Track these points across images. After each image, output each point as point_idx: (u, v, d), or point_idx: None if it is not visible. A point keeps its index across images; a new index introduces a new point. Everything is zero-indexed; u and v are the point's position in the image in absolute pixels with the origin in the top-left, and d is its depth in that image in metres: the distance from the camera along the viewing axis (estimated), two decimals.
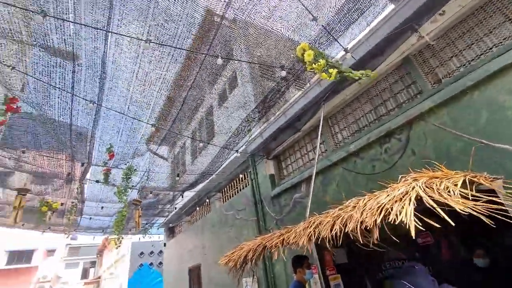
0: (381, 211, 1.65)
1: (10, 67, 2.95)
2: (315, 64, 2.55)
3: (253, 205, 6.02)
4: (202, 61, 3.18)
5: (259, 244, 2.87)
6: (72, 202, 6.83)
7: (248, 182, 6.57)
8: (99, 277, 24.83)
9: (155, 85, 3.41)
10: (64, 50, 2.84)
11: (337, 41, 3.06)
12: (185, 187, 7.36)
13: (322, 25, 2.85)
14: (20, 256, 25.11)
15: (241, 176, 6.94)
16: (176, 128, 4.51)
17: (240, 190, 7.07)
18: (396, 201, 1.66)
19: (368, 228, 1.59)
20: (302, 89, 4.39)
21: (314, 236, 2.07)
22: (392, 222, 1.50)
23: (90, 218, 8.20)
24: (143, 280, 16.10)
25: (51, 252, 26.97)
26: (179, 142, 7.23)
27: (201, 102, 4.71)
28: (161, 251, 16.85)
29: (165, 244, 12.48)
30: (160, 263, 16.79)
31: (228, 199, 7.69)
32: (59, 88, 3.16)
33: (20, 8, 2.39)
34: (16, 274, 23.72)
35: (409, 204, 1.58)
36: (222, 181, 7.43)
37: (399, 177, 2.02)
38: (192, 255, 9.11)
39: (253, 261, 3.00)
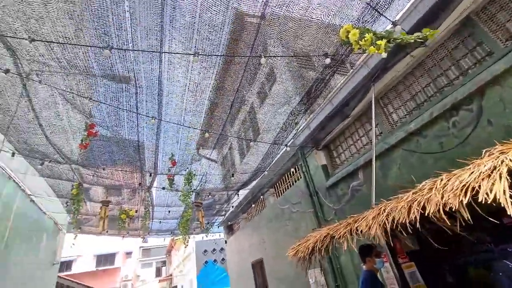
0: (466, 190, 1.53)
1: (88, 98, 3.44)
2: (361, 41, 2.42)
3: (308, 197, 5.99)
4: (246, 63, 3.28)
5: (326, 235, 2.86)
6: (145, 208, 7.68)
7: (300, 175, 6.56)
8: (171, 275, 27.39)
9: (205, 93, 3.64)
10: (127, 76, 3.22)
11: (383, 15, 2.86)
12: (239, 185, 7.67)
13: (366, 2, 2.70)
14: (106, 259, 29.04)
15: (292, 169, 6.96)
16: (227, 130, 4.73)
17: (293, 183, 7.09)
18: (483, 179, 1.51)
19: (454, 209, 1.49)
20: (347, 74, 4.21)
21: (388, 224, 2.00)
22: (483, 203, 1.38)
23: (160, 221, 9.11)
24: (209, 276, 17.28)
25: (128, 254, 30.61)
26: (227, 144, 7.55)
27: (246, 102, 4.85)
28: (222, 248, 17.87)
29: (226, 242, 13.15)
30: (223, 259, 17.80)
31: (281, 194, 7.78)
32: (126, 110, 3.60)
33: (92, 46, 2.78)
34: (104, 275, 27.54)
35: (500, 180, 1.43)
36: (274, 176, 7.54)
37: (483, 152, 1.83)
38: (252, 251, 9.46)
39: (321, 252, 3.01)
